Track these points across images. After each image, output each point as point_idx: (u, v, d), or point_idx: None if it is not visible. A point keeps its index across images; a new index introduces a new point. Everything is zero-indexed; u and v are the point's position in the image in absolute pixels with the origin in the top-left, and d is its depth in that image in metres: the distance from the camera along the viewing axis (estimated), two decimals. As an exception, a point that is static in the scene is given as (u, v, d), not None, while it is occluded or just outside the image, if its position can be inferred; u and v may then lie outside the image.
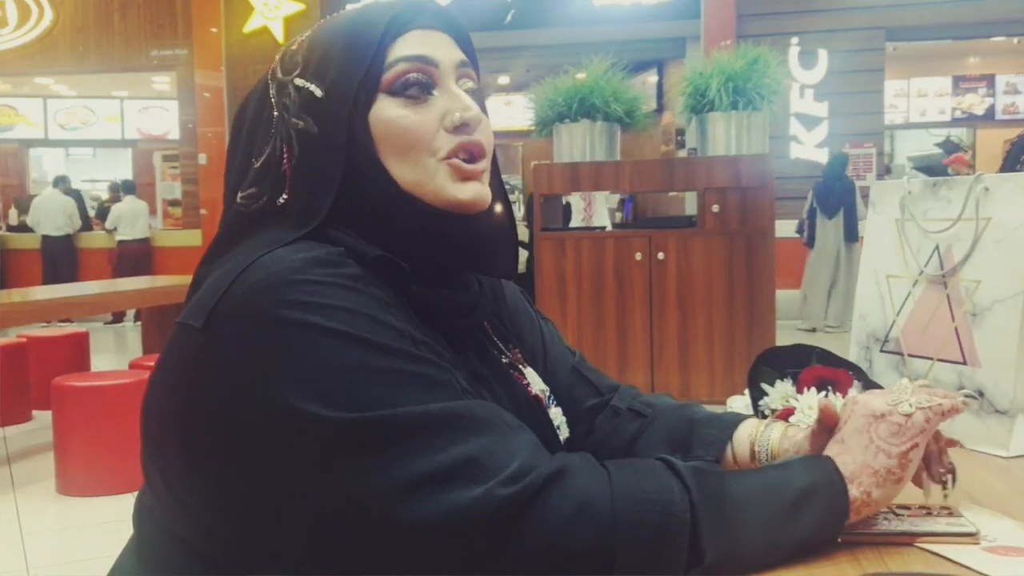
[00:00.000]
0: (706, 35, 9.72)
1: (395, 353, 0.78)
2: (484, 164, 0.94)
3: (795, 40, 9.66)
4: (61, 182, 11.45)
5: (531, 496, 0.73)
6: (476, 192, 0.92)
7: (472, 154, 0.92)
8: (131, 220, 10.89)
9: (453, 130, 0.91)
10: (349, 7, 0.96)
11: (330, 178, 0.88)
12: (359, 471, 0.73)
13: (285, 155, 0.89)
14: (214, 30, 11.09)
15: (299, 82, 0.91)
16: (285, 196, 0.89)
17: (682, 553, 0.75)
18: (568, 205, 6.58)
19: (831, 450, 0.88)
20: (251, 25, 11.07)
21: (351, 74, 0.89)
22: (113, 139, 14.86)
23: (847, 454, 0.86)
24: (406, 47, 0.91)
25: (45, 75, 12.76)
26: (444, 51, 0.93)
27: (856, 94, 9.82)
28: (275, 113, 0.91)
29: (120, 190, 11.57)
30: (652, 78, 11.21)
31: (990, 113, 12.51)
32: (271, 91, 0.92)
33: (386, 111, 0.89)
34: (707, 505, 0.77)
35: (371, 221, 0.89)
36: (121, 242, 10.86)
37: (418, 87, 0.90)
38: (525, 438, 0.79)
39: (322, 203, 0.87)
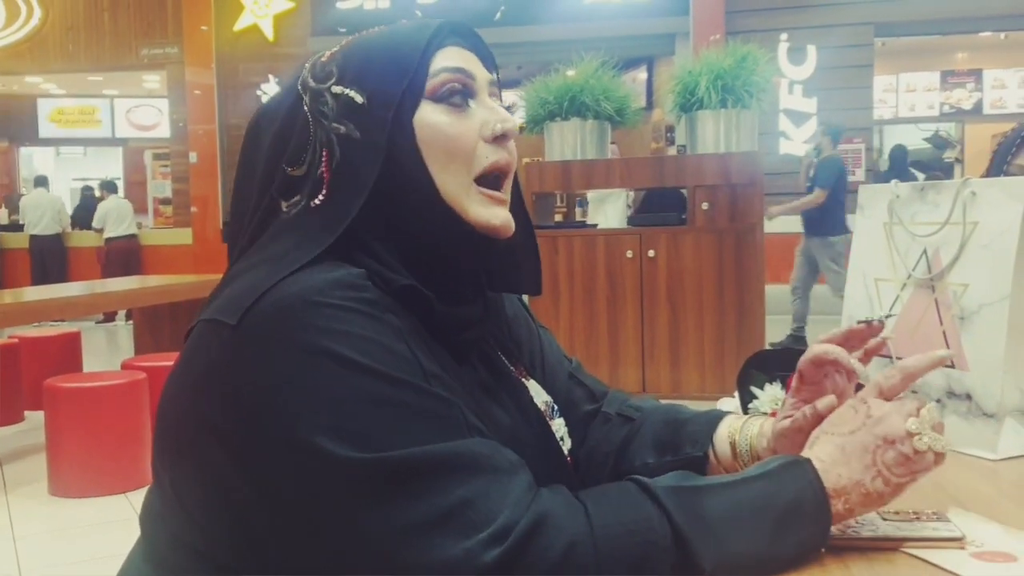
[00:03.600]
0: (695, 31, 9.73)
1: (404, 385, 0.79)
2: (508, 187, 0.98)
3: (784, 36, 9.69)
4: (41, 182, 11.46)
5: (515, 555, 0.74)
6: (506, 219, 0.95)
7: (502, 173, 0.95)
8: (117, 217, 10.92)
9: (492, 140, 0.94)
10: (378, 27, 0.99)
11: (366, 178, 0.89)
12: (359, 510, 0.75)
13: (324, 160, 0.91)
14: (204, 28, 11.07)
15: (337, 89, 0.93)
16: (321, 198, 0.91)
17: None
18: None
19: (825, 451, 0.87)
20: (241, 23, 11.07)
21: (395, 80, 0.91)
22: (103, 138, 14.81)
23: (843, 466, 0.85)
24: (447, 59, 0.94)
25: (35, 74, 12.70)
26: (478, 68, 0.97)
27: (845, 89, 9.83)
28: (310, 120, 0.93)
29: (104, 189, 11.60)
30: (642, 75, 11.23)
31: (978, 108, 12.51)
32: (304, 100, 0.94)
33: (431, 116, 0.92)
34: (692, 525, 0.78)
35: (405, 228, 0.92)
36: (108, 239, 10.89)
37: (461, 95, 0.94)
38: (519, 480, 0.80)
39: (354, 204, 0.89)
